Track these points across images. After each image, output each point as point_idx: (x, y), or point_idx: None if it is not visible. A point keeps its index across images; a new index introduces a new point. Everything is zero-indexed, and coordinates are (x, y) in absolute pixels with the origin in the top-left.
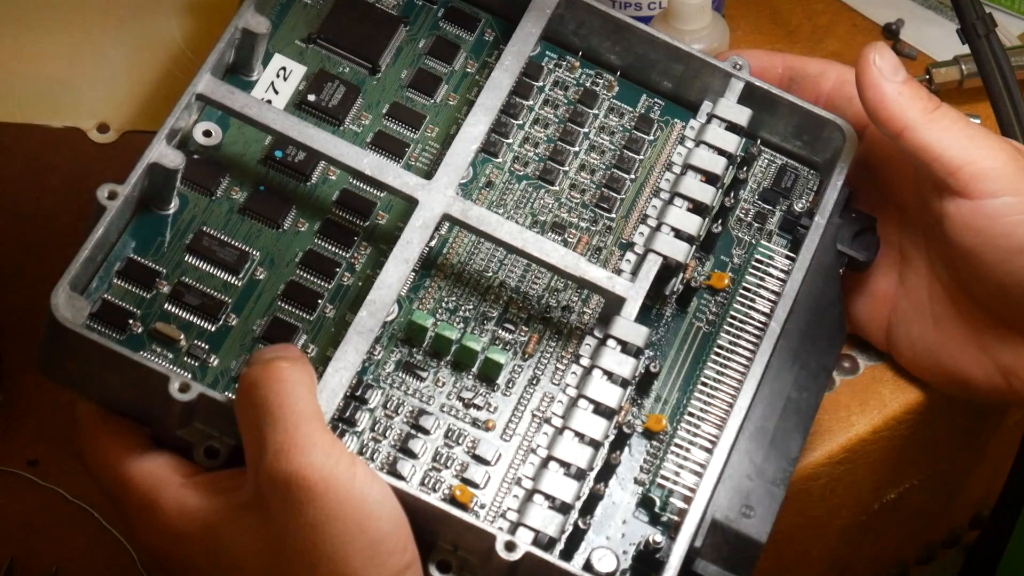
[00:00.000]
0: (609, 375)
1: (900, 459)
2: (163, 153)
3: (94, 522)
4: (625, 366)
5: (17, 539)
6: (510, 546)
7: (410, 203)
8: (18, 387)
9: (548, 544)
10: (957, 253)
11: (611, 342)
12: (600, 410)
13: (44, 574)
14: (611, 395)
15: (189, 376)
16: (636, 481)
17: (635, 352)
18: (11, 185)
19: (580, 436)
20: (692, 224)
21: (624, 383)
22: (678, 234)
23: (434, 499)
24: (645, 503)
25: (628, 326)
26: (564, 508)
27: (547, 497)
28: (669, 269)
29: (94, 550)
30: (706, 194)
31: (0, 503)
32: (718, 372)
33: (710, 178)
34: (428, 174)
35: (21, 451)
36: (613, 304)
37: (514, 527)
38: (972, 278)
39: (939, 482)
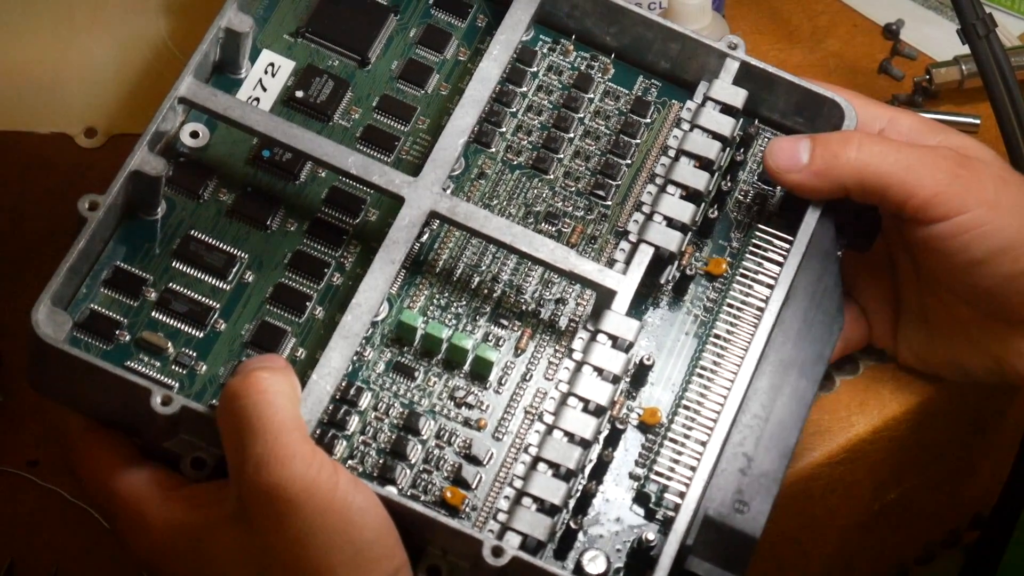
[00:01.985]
0: (599, 371)
1: (900, 459)
2: (145, 160)
3: (94, 522)
4: (615, 362)
5: (17, 539)
6: (497, 551)
7: (397, 201)
8: (18, 387)
9: (537, 547)
10: (926, 269)
11: (601, 337)
12: (590, 408)
13: (44, 574)
14: (601, 392)
15: (176, 386)
16: (631, 476)
17: (626, 347)
18: (5, 190)
19: (570, 436)
20: (685, 212)
21: (615, 379)
22: (670, 223)
23: (420, 505)
24: (640, 498)
25: (618, 320)
26: (553, 510)
27: (535, 500)
28: (662, 259)
29: (94, 550)
30: (700, 180)
31: (0, 503)
32: (714, 361)
33: (704, 163)
34: (418, 167)
35: (21, 451)
36: (604, 297)
37: (502, 531)
38: (944, 287)
39: (939, 482)
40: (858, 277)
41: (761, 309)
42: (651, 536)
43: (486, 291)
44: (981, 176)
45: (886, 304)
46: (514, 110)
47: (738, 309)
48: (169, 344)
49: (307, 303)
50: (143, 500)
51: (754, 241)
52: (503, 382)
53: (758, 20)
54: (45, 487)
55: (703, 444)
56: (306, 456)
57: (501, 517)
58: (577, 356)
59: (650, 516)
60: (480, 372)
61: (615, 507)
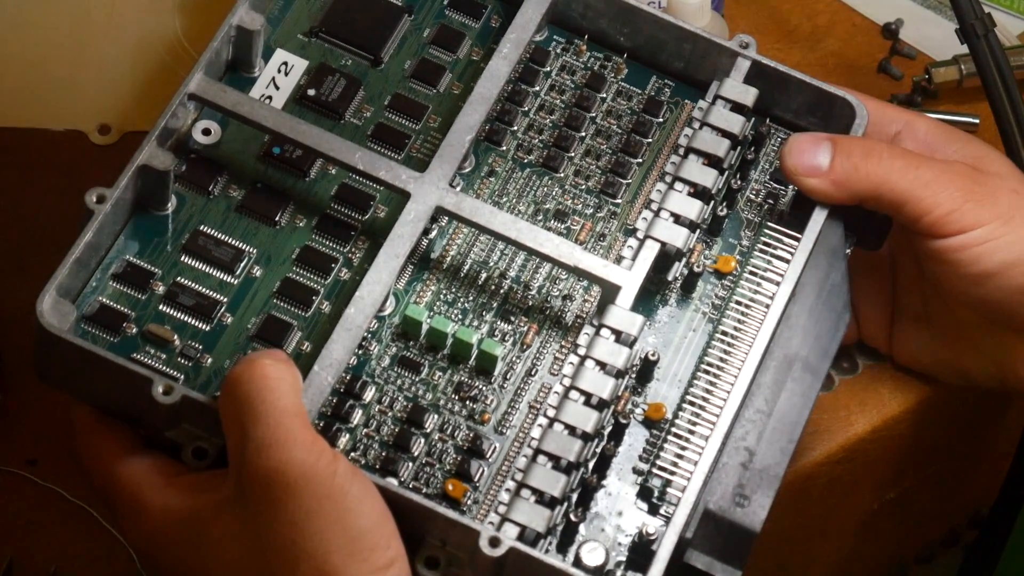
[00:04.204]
0: (602, 366)
1: (899, 459)
2: (153, 155)
3: (93, 522)
4: (618, 356)
5: (16, 539)
6: (494, 542)
7: (403, 196)
8: (18, 387)
9: (536, 539)
10: (935, 279)
11: (604, 331)
12: (592, 402)
13: (43, 573)
14: (603, 386)
15: (181, 378)
16: (635, 471)
17: (630, 342)
18: (12, 187)
19: (571, 429)
20: (692, 209)
21: (618, 373)
22: (677, 219)
23: (417, 495)
24: (644, 493)
25: (622, 314)
26: (552, 502)
27: (535, 492)
28: (669, 256)
29: (93, 550)
30: (707, 177)
31: (0, 503)
32: (721, 357)
33: (712, 161)
34: (428, 166)
35: (21, 451)
36: (609, 292)
37: (501, 523)
38: (951, 297)
39: (938, 482)
40: (853, 273)
41: (768, 306)
42: (651, 529)
43: (493, 287)
44: (996, 191)
45: (880, 302)
46: (526, 109)
47: (746, 306)
48: (175, 336)
49: (314, 297)
50: (142, 486)
51: (763, 239)
52: (508, 377)
53: (757, 20)
54: (44, 486)
55: (705, 439)
56: (306, 442)
57: (501, 509)
58: (581, 352)
59: (654, 511)
60: (485, 367)
61: (618, 501)
